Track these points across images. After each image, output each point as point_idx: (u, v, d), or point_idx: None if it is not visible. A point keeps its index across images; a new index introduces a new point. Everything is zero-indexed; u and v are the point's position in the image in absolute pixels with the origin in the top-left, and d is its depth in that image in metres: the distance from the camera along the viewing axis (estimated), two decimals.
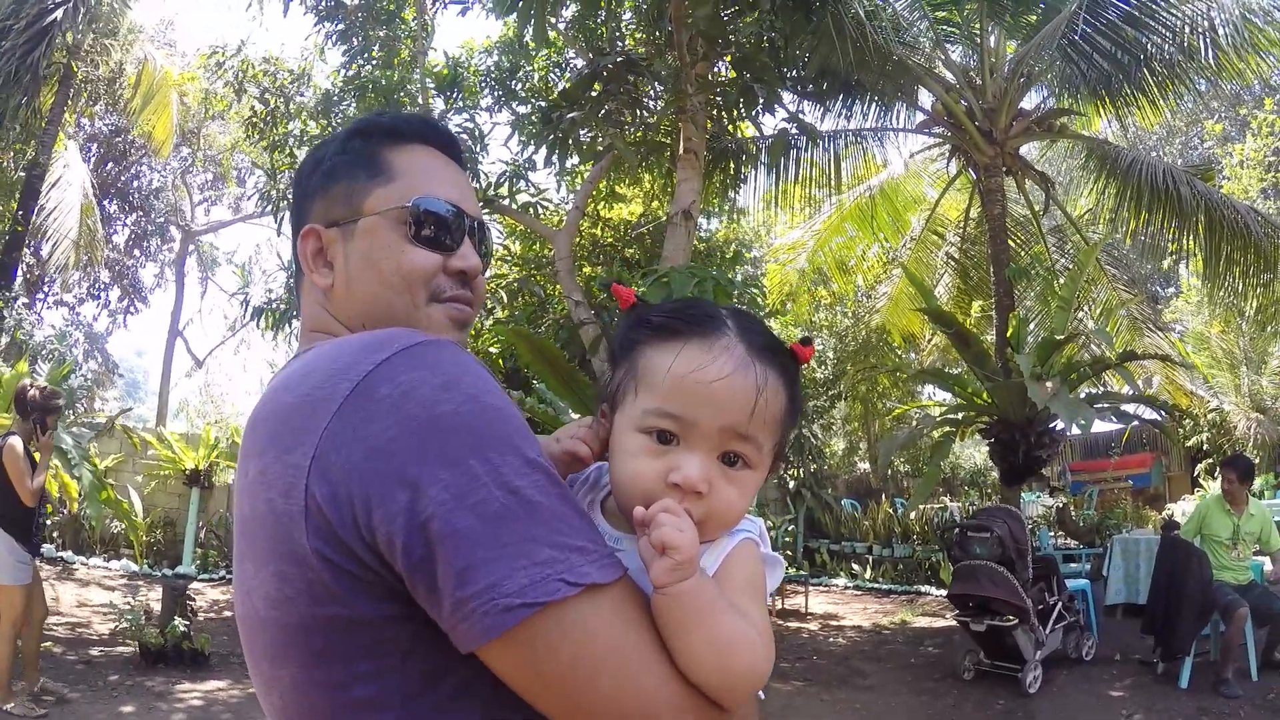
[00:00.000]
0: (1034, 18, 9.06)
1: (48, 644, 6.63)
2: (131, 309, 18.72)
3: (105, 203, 16.72)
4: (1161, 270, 18.28)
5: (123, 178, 17.47)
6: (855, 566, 12.73)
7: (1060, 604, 6.52)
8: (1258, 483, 10.57)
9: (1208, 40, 7.98)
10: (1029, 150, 10.18)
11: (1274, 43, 8.14)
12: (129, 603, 8.17)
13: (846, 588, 12.09)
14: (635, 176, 9.83)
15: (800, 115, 8.83)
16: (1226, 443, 15.20)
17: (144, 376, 40.34)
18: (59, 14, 10.76)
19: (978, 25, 8.96)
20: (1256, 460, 11.27)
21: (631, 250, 11.21)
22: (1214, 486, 13.27)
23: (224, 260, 24.94)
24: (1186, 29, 7.97)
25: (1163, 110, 9.09)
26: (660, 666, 0.76)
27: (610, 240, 11.54)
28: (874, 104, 9.81)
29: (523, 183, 9.33)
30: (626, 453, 0.85)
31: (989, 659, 6.41)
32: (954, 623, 6.84)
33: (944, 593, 10.16)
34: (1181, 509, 11.90)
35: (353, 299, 0.98)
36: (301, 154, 10.33)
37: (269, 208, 9.68)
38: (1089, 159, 10.02)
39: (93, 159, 16.20)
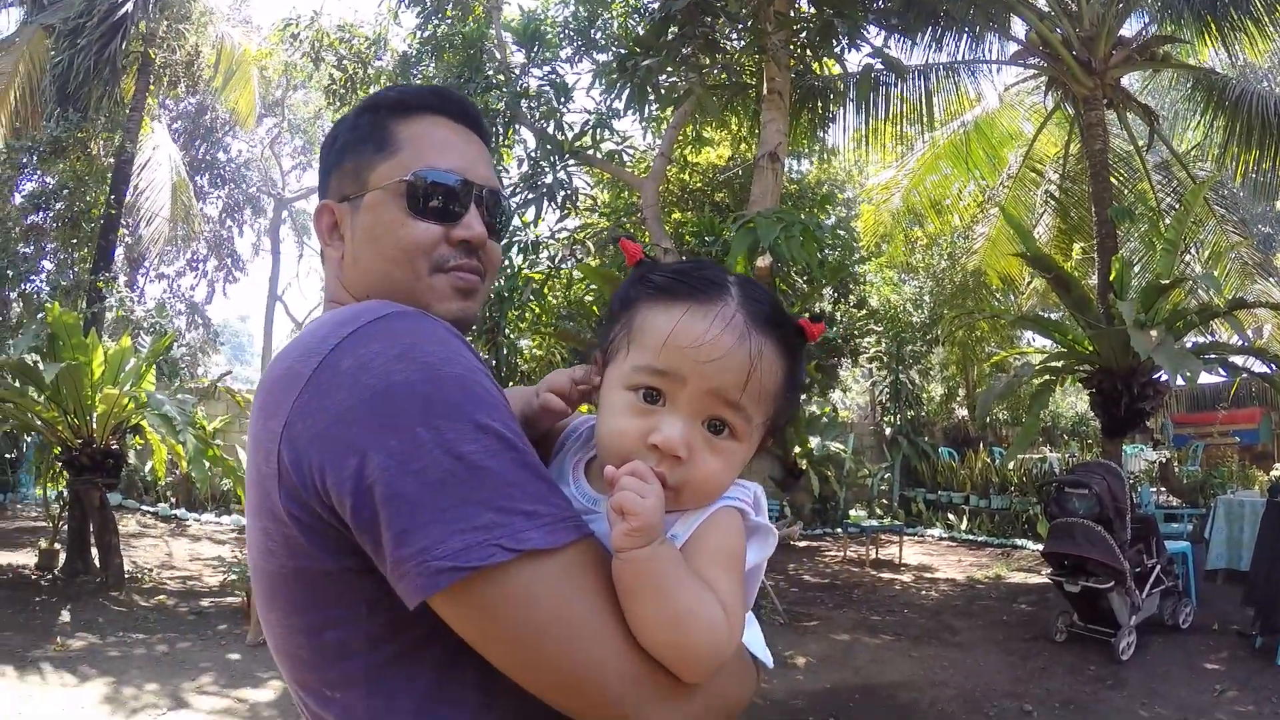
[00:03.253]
0: None
1: (161, 597, 7.11)
2: (230, 277, 19.59)
3: (197, 178, 17.41)
4: (1275, 211, 17.03)
5: (212, 153, 18.14)
6: (951, 517, 12.52)
7: (1159, 567, 6.24)
8: None
9: None
10: (1131, 81, 9.54)
11: None
12: (237, 556, 8.64)
13: (941, 538, 11.90)
14: (721, 120, 9.63)
15: (886, 50, 8.43)
16: None
17: (249, 340, 42.44)
18: (129, 5, 11.11)
19: None
20: None
21: (721, 194, 11.03)
22: None
23: None
24: None
25: (1273, 37, 8.44)
26: (614, 635, 0.76)
27: (699, 185, 11.38)
28: (965, 35, 9.33)
29: (607, 131, 9.22)
30: (611, 409, 0.84)
31: (1082, 621, 6.20)
32: (1048, 580, 6.62)
33: (1040, 547, 9.88)
34: None
35: (359, 272, 1.01)
36: None
37: None
38: (1195, 90, 9.38)
39: (181, 138, 16.83)
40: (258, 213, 20.89)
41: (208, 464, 7.32)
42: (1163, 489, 10.47)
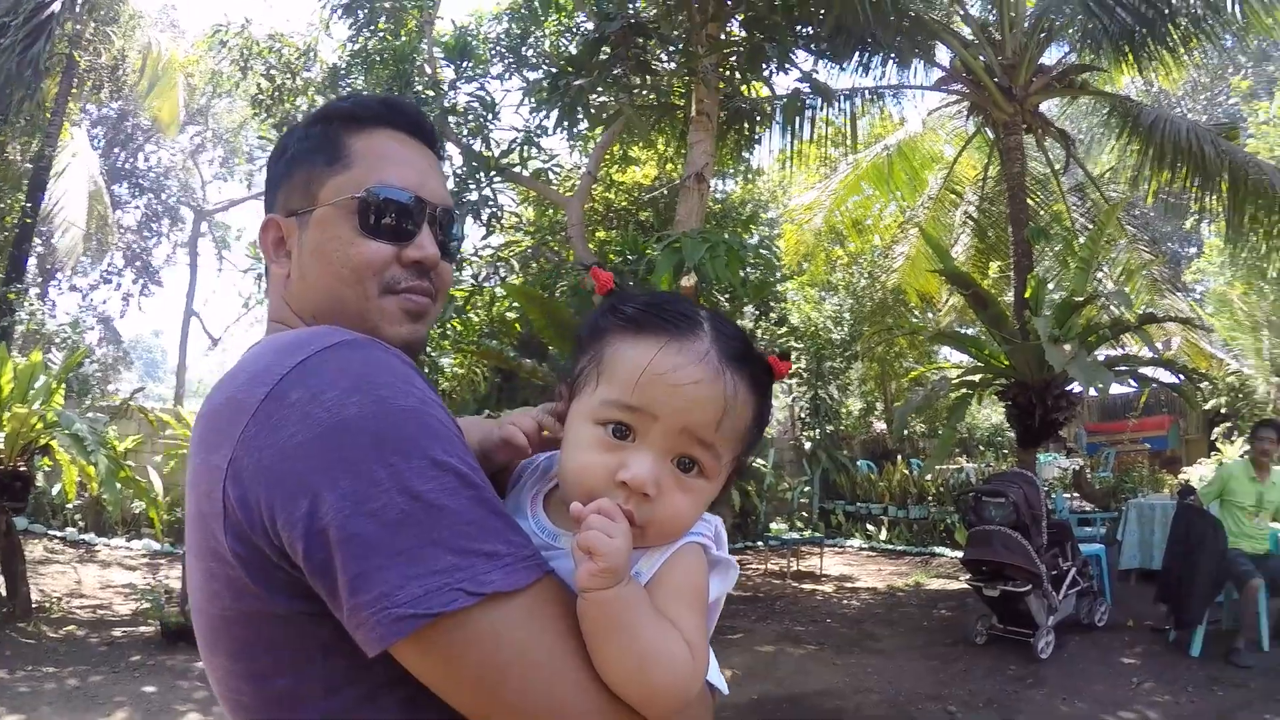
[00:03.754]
0: None
1: (71, 627, 6.78)
2: (145, 291, 18.87)
3: (115, 186, 16.79)
4: (1183, 230, 17.92)
5: (131, 161, 17.51)
6: (870, 527, 12.75)
7: (1074, 569, 6.49)
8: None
9: None
10: (1049, 107, 9.94)
11: None
12: (150, 583, 8.31)
13: (861, 549, 12.12)
14: (647, 140, 9.71)
15: (814, 74, 8.65)
16: (1246, 407, 14.99)
17: (162, 356, 40.96)
18: (56, 6, 10.70)
19: None
20: None
21: (646, 214, 11.11)
22: (1231, 450, 13.16)
23: (237, 237, 25.05)
24: None
25: (1186, 66, 8.85)
26: (578, 673, 0.75)
27: (624, 204, 11.43)
28: (890, 61, 9.58)
29: (534, 149, 9.21)
30: (578, 444, 0.82)
31: (1001, 624, 6.40)
32: (967, 586, 6.83)
33: (958, 554, 10.15)
34: (1199, 473, 11.77)
35: (306, 290, 0.97)
36: None
37: None
38: (1110, 116, 9.75)
39: (101, 145, 16.22)
40: (176, 224, 20.22)
41: (120, 486, 7.03)
42: (1076, 495, 10.86)
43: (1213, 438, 15.05)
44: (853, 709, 5.15)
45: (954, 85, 9.61)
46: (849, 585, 9.49)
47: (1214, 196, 8.64)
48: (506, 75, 9.93)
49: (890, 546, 11.91)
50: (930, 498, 12.27)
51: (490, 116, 8.96)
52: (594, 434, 0.81)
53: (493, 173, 8.59)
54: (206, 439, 0.81)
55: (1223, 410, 15.22)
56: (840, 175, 11.80)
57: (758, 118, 8.97)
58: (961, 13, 9.11)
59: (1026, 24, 8.88)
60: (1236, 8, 7.81)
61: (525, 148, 8.99)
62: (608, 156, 9.98)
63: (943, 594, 8.65)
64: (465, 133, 8.91)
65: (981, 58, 8.73)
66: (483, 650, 0.72)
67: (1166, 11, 7.65)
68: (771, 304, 13.22)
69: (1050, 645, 6.07)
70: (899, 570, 10.43)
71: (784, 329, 13.59)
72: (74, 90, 12.53)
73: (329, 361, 0.79)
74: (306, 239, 0.96)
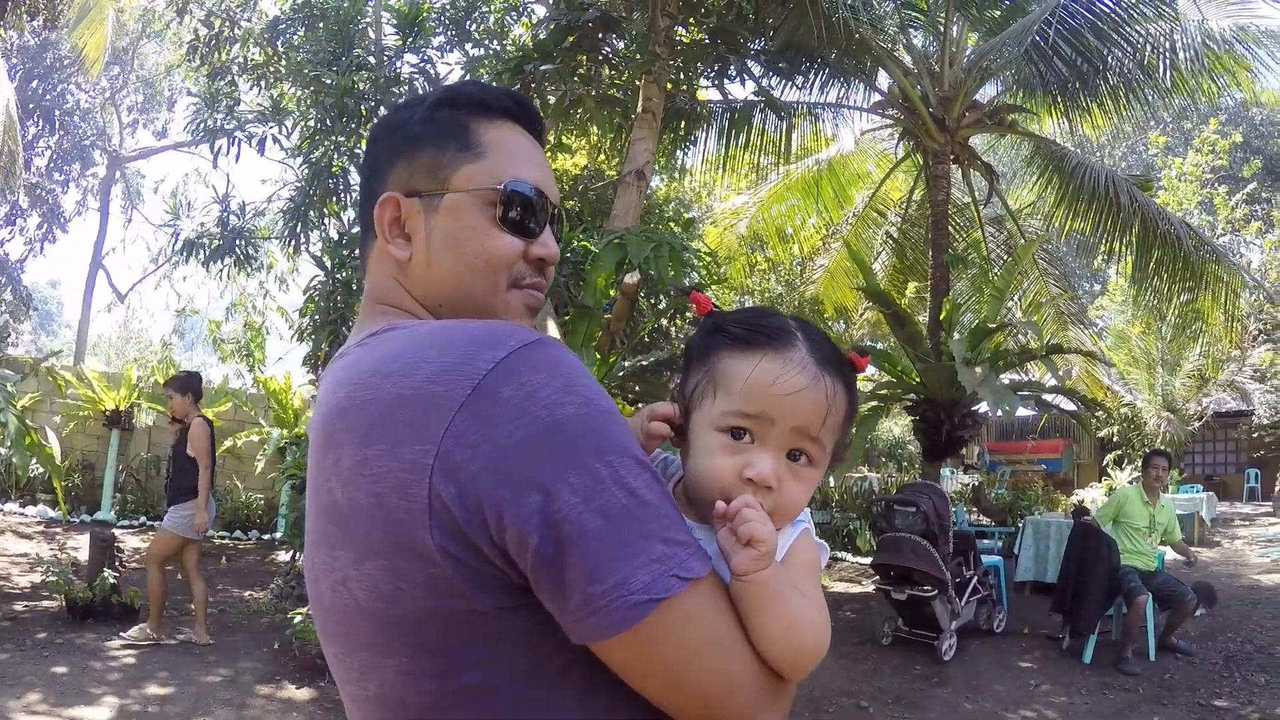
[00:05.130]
0: (998, 13, 9.24)
1: None
2: (50, 237, 17.76)
3: (27, 122, 15.69)
4: (1091, 268, 18.96)
5: (48, 96, 16.39)
6: None
7: (976, 578, 6.91)
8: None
9: (1167, 60, 8.21)
10: (977, 141, 10.41)
11: (1228, 69, 8.45)
12: (53, 553, 7.94)
13: None
14: (584, 129, 9.73)
15: (769, 88, 8.85)
16: (1136, 437, 16.19)
17: (58, 308, 38.62)
18: None
19: (943, 15, 9.07)
20: None
21: (572, 203, 11.15)
22: (1121, 476, 14.12)
23: (152, 189, 23.75)
24: (1148, 47, 8.19)
25: (1112, 115, 9.32)
26: (743, 647, 0.82)
27: None
28: (834, 80, 9.87)
29: None
30: (707, 450, 0.92)
31: (907, 626, 6.76)
32: (870, 589, 7.15)
33: (860, 559, 10.60)
34: (1090, 495, 12.57)
35: (432, 277, 0.97)
36: (244, 82, 9.98)
37: (204, 137, 9.22)
38: (1035, 156, 10.25)
39: (18, 75, 15.13)
40: (88, 168, 19.02)
41: (27, 449, 6.73)
42: (974, 509, 11.43)
43: (1104, 463, 16.19)
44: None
45: (890, 110, 9.92)
46: None
47: (1123, 241, 9.21)
48: (448, 48, 9.81)
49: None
50: (834, 504, 12.67)
51: (433, 90, 8.83)
52: (717, 440, 0.91)
53: None
54: (387, 430, 0.80)
55: (1114, 438, 16.39)
56: (770, 184, 12.00)
57: (697, 119, 9.10)
58: (906, 43, 9.48)
59: (966, 61, 9.31)
60: (1167, 73, 8.33)
61: None
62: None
63: (847, 596, 8.99)
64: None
65: (920, 87, 9.09)
66: (680, 631, 0.78)
67: (1101, 68, 8.11)
68: (688, 306, 13.38)
69: (953, 648, 6.46)
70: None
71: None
72: (7, 16, 11.67)
73: (533, 359, 0.81)
74: (436, 223, 0.96)
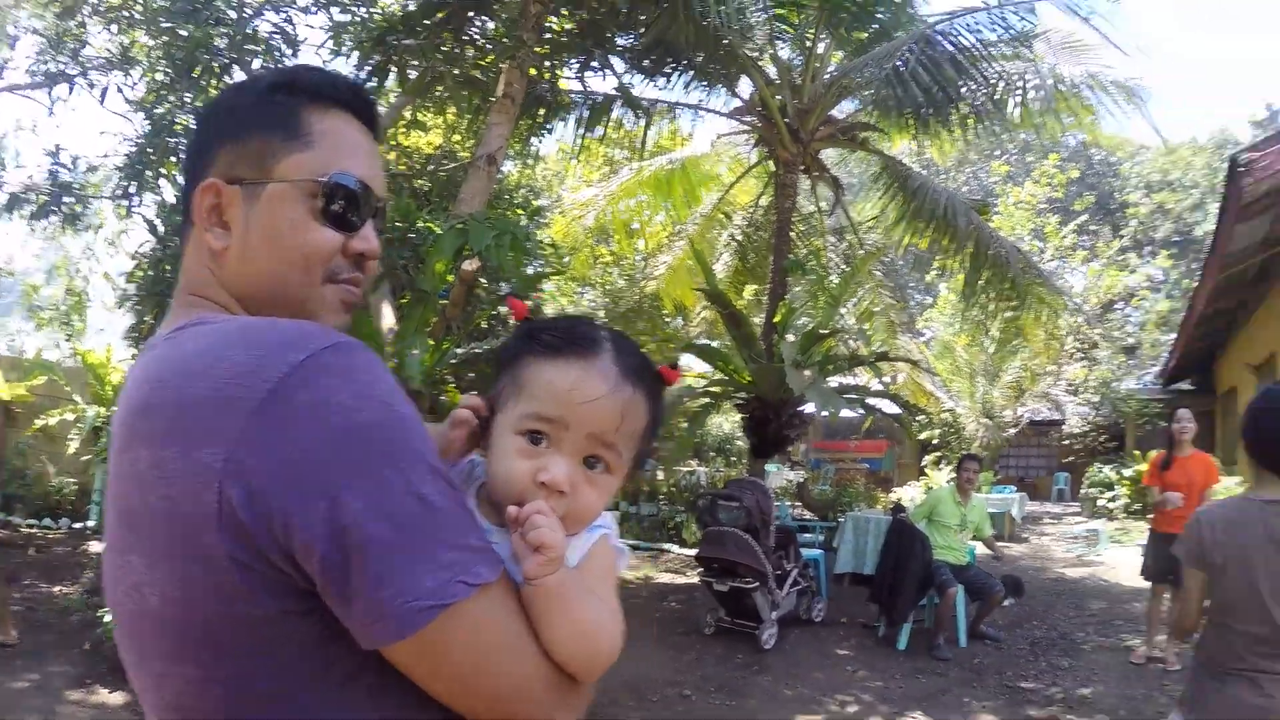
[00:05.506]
0: (865, 35, 9.54)
1: None
2: None
3: None
4: (925, 282, 20.25)
5: None
6: None
7: (796, 570, 7.20)
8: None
9: (1018, 97, 8.79)
10: (829, 154, 10.80)
11: (1074, 111, 9.10)
12: None
13: None
14: (442, 108, 9.43)
15: (629, 84, 8.84)
16: (955, 440, 17.48)
17: None
18: None
19: (812, 31, 9.34)
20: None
21: (421, 181, 10.76)
22: (939, 476, 15.17)
23: None
24: (1002, 83, 8.71)
25: (959, 140, 9.87)
26: (532, 650, 0.84)
27: (403, 168, 11.00)
28: (697, 83, 9.97)
29: None
30: (505, 452, 0.92)
31: (729, 617, 6.96)
32: (695, 580, 7.30)
33: (686, 551, 10.84)
34: (909, 494, 13.40)
35: (247, 270, 0.94)
36: (97, 26, 9.03)
37: (43, 81, 8.27)
38: (882, 174, 10.70)
39: None
40: None
41: None
42: (798, 504, 11.92)
43: (923, 464, 17.39)
44: (598, 693, 5.34)
45: (748, 117, 10.19)
46: None
47: (957, 260, 9.85)
48: (313, 9, 9.24)
49: (622, 541, 12.37)
50: (662, 496, 12.87)
51: (291, 53, 8.29)
52: (515, 443, 0.92)
53: None
54: (183, 432, 0.78)
55: (934, 441, 17.62)
56: (621, 179, 12.05)
57: (555, 108, 9.00)
58: (772, 53, 9.71)
59: (828, 77, 9.62)
60: (1016, 109, 8.93)
61: None
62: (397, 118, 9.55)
63: (671, 587, 9.17)
64: (259, 65, 8.18)
65: (780, 98, 9.35)
66: (470, 636, 0.79)
67: (955, 97, 8.49)
68: (528, 296, 13.23)
69: (774, 637, 6.70)
70: (630, 564, 10.88)
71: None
72: None
73: (331, 364, 0.80)
74: (255, 214, 0.93)
